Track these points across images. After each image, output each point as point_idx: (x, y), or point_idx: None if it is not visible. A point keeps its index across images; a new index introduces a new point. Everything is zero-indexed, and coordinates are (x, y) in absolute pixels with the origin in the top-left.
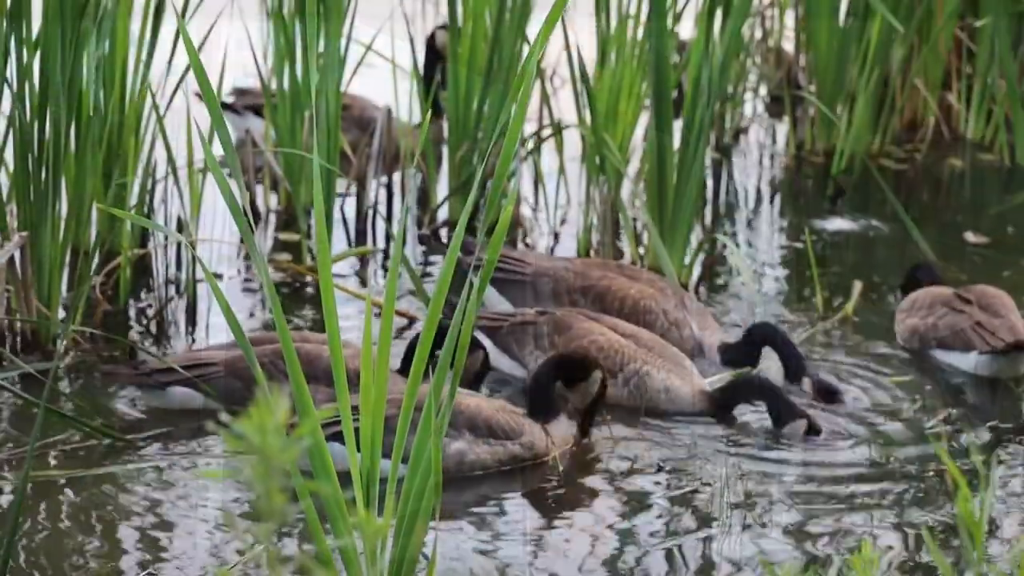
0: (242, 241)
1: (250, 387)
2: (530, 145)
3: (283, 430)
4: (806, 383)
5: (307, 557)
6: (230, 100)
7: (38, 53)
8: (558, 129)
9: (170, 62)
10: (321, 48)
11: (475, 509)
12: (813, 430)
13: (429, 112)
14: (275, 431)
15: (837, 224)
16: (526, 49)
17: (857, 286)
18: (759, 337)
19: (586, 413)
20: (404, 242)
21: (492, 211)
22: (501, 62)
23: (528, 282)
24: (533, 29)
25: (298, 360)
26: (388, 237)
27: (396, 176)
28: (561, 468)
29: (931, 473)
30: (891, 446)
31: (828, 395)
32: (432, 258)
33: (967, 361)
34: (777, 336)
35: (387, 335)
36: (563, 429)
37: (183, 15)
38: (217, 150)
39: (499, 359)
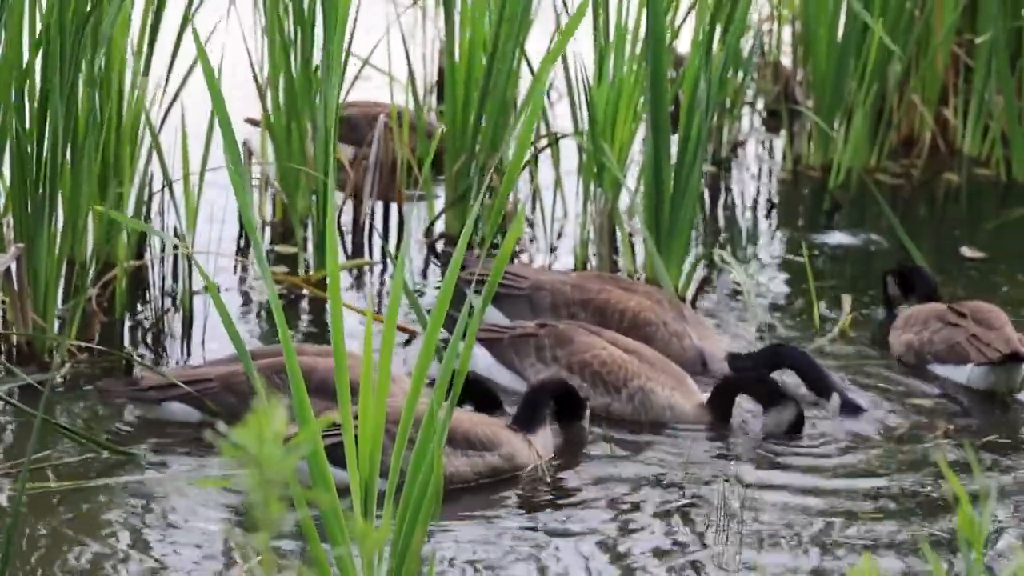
0: (238, 253)
1: (245, 402)
2: (527, 156)
3: (281, 439)
4: (834, 399)
5: (304, 567)
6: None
7: (37, 63)
8: (555, 140)
9: (168, 73)
10: (318, 60)
11: (472, 522)
12: (799, 422)
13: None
14: (273, 440)
15: (834, 238)
16: (524, 63)
17: (847, 300)
18: (781, 359)
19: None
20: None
21: (493, 225)
22: (498, 75)
23: (525, 296)
24: (531, 42)
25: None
26: (384, 249)
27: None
28: (550, 479)
29: (930, 488)
30: (890, 460)
31: (852, 411)
32: (430, 270)
33: (963, 374)
34: (803, 360)
35: (388, 350)
36: (547, 440)
37: (182, 26)
38: (214, 163)
39: (499, 372)
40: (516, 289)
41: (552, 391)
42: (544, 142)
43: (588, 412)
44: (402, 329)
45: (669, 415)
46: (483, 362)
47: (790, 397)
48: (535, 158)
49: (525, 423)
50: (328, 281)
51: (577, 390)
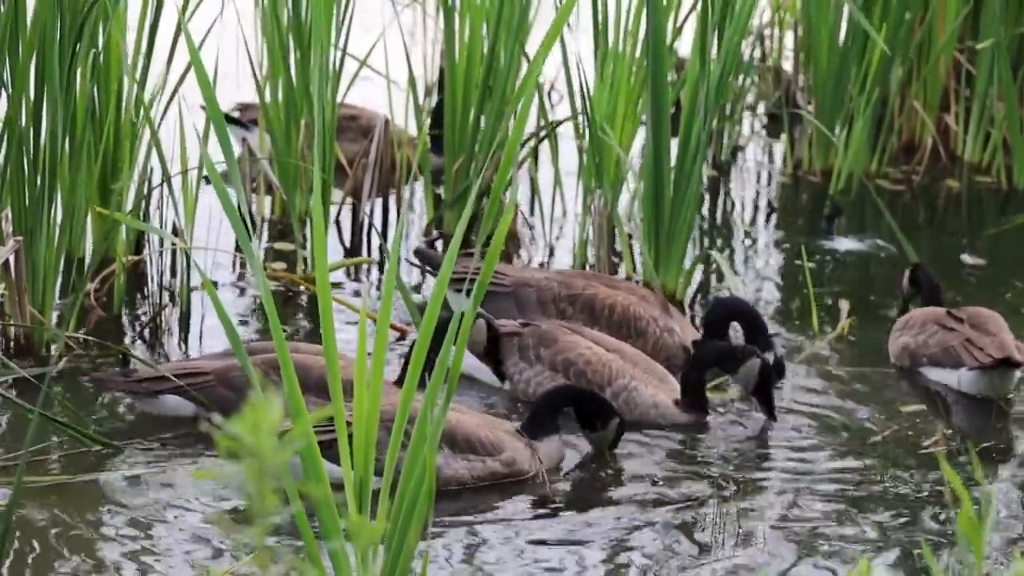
0: (237, 250)
1: (240, 397)
2: (526, 150)
3: (277, 431)
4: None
5: (298, 560)
6: (235, 114)
7: (34, 57)
8: (552, 128)
9: (168, 69)
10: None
11: (467, 523)
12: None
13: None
14: (268, 431)
15: (834, 243)
16: (523, 63)
17: (844, 307)
18: (732, 315)
19: (600, 453)
20: (398, 257)
21: (489, 223)
22: (498, 75)
23: (510, 293)
24: (530, 43)
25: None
26: (382, 248)
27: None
28: (550, 484)
29: (926, 491)
30: (888, 463)
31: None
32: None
33: (955, 378)
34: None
35: (382, 348)
36: (553, 448)
37: (181, 19)
38: (212, 158)
39: (482, 371)
40: (500, 286)
41: (566, 400)
42: (543, 134)
43: (616, 422)
44: (395, 328)
45: (654, 413)
46: (467, 362)
47: (749, 350)
48: (535, 153)
49: (532, 430)
50: (317, 277)
51: (601, 401)
